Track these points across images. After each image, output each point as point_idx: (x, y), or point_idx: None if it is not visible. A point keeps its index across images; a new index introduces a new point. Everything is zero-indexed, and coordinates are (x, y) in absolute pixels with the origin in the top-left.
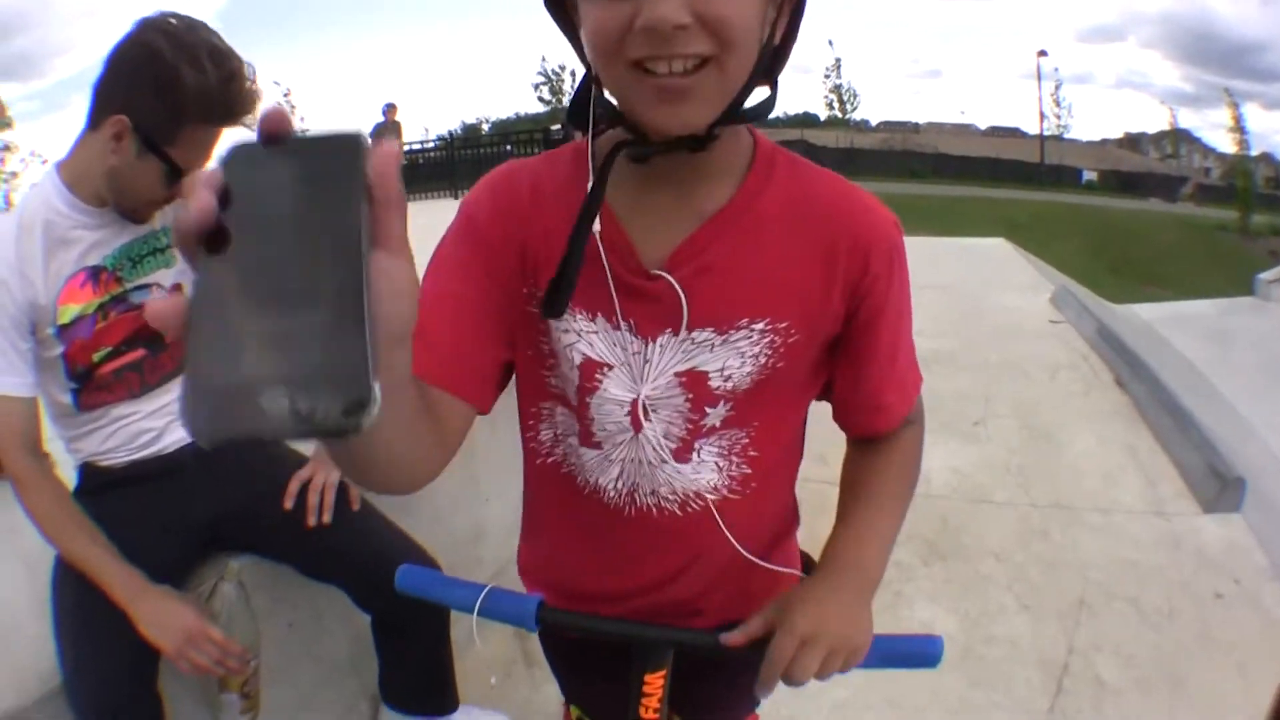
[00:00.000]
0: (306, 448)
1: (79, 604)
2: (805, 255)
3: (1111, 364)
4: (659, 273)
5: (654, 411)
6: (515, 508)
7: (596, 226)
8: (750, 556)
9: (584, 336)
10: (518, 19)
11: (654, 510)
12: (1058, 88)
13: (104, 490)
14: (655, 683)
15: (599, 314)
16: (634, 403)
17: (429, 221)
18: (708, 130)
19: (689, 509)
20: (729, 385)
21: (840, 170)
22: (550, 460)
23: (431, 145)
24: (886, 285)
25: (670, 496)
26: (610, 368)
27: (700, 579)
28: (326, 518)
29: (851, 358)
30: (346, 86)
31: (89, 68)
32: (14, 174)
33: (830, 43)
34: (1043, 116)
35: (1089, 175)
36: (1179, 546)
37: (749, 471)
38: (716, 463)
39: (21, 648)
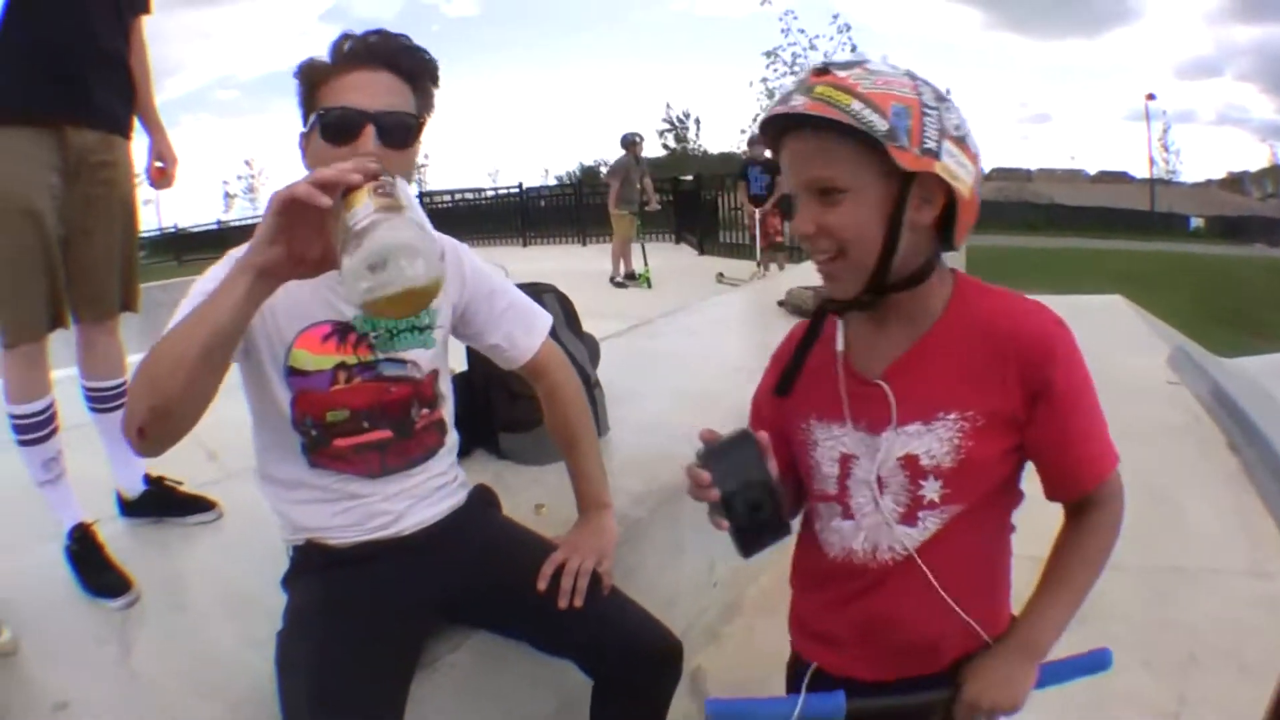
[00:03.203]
0: (548, 530)
1: (315, 661)
2: (985, 359)
3: (1224, 427)
4: (878, 382)
5: (886, 487)
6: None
7: (840, 345)
8: (952, 603)
9: (838, 439)
10: (640, 63)
11: (890, 563)
12: (1166, 130)
13: (328, 569)
14: None
15: (847, 420)
16: (875, 481)
17: (558, 266)
18: (864, 297)
19: (913, 562)
20: (934, 462)
21: None
22: (818, 542)
23: (554, 187)
24: (1050, 372)
25: (901, 551)
26: (857, 458)
27: (928, 624)
28: (578, 601)
29: (1039, 436)
30: (460, 124)
31: (201, 88)
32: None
33: (947, 90)
34: (1152, 162)
35: (1196, 222)
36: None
37: (956, 544)
38: (936, 532)
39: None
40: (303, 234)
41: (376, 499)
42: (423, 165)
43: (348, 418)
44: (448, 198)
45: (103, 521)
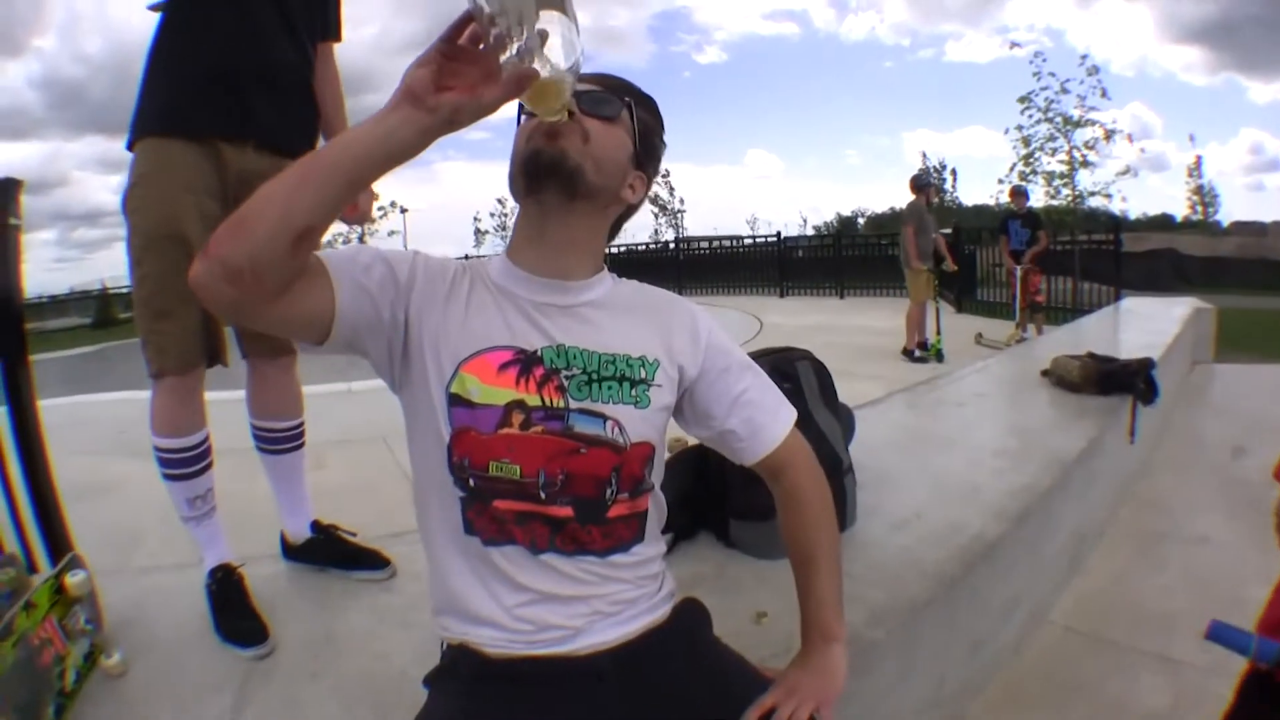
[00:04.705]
0: (766, 645)
1: None
2: None
3: None
4: None
5: None
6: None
7: None
8: None
9: None
10: (890, 110)
11: None
12: None
13: (476, 681)
14: None
15: None
16: None
17: (821, 320)
18: None
19: None
20: None
21: (1206, 283)
22: None
23: (812, 238)
24: None
25: None
26: None
27: None
28: None
29: None
30: (714, 169)
31: None
32: (371, 219)
33: (1191, 138)
34: None
35: None
36: None
37: None
38: None
39: None
40: (455, 68)
41: (545, 607)
42: (680, 211)
43: (518, 478)
44: (705, 245)
45: (264, 560)
